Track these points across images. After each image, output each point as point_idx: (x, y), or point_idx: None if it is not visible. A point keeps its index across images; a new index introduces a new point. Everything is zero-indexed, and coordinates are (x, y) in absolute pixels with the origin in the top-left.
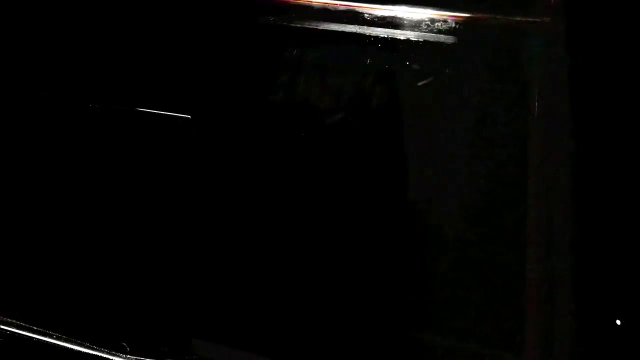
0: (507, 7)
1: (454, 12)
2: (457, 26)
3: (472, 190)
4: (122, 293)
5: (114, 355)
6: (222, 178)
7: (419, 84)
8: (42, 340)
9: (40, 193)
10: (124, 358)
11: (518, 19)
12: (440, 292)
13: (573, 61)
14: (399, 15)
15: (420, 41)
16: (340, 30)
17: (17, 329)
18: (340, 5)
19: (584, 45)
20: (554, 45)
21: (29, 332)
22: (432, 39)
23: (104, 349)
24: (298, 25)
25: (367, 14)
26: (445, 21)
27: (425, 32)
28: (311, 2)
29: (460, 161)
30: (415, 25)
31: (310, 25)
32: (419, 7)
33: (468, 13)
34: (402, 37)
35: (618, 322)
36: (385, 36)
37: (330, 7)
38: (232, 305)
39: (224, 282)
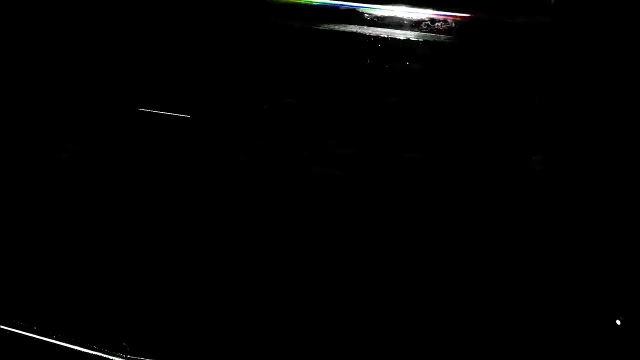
0: (507, 7)
1: (454, 12)
2: (457, 26)
3: (472, 190)
4: (122, 293)
5: (114, 355)
6: (222, 178)
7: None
8: (42, 340)
9: (40, 193)
10: (124, 358)
11: (518, 19)
12: (439, 292)
13: (573, 61)
14: (399, 15)
15: (420, 41)
16: (340, 30)
17: (17, 329)
18: (340, 5)
19: (583, 45)
20: (554, 45)
21: (29, 332)
22: (432, 39)
23: (104, 349)
24: (298, 26)
25: (367, 14)
26: (445, 21)
27: (425, 32)
28: (311, 2)
29: (460, 160)
30: (415, 25)
31: (310, 25)
32: (419, 7)
33: (468, 13)
34: (402, 37)
35: (618, 322)
36: (385, 36)
37: (330, 7)
38: (231, 305)
39: (222, 283)
